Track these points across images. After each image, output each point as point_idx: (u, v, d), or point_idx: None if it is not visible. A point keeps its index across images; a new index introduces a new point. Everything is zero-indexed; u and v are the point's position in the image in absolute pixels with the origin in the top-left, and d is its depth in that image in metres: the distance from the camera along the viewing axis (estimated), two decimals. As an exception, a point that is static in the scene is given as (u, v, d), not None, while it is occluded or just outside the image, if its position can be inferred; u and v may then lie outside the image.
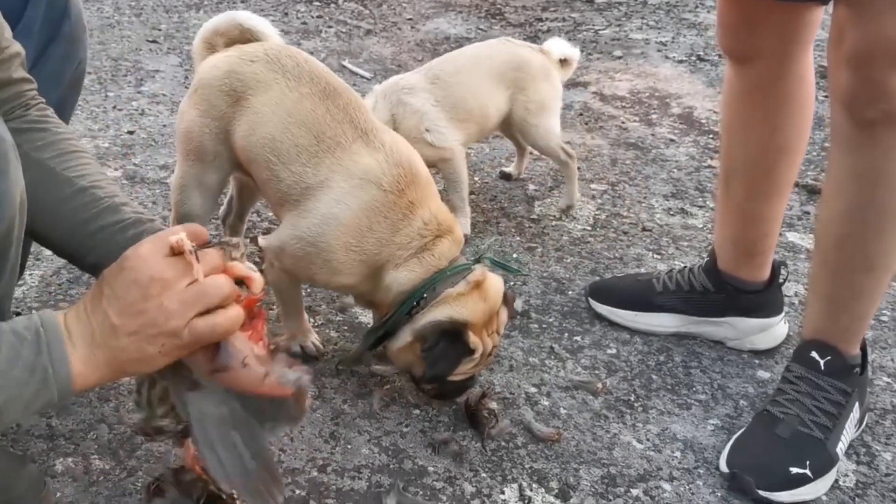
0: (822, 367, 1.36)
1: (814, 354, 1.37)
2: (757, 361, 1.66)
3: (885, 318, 1.80)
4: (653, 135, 2.72)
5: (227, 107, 1.48)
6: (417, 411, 1.47)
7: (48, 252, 1.85)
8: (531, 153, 2.37)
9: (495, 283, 1.42)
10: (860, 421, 1.43)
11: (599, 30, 3.67)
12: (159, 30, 3.29)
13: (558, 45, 2.16)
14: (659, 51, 3.42)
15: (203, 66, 1.54)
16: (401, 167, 1.39)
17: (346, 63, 3.21)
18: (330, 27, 3.61)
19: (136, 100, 2.64)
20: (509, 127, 2.14)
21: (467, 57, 2.10)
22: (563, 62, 2.17)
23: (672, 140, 2.68)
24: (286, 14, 3.69)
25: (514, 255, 1.98)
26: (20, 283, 1.66)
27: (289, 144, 1.40)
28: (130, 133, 2.41)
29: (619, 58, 3.36)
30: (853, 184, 1.27)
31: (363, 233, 1.35)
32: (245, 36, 1.58)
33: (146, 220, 1.12)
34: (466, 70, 2.04)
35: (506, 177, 2.37)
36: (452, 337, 1.35)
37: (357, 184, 1.36)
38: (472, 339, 1.36)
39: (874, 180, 1.25)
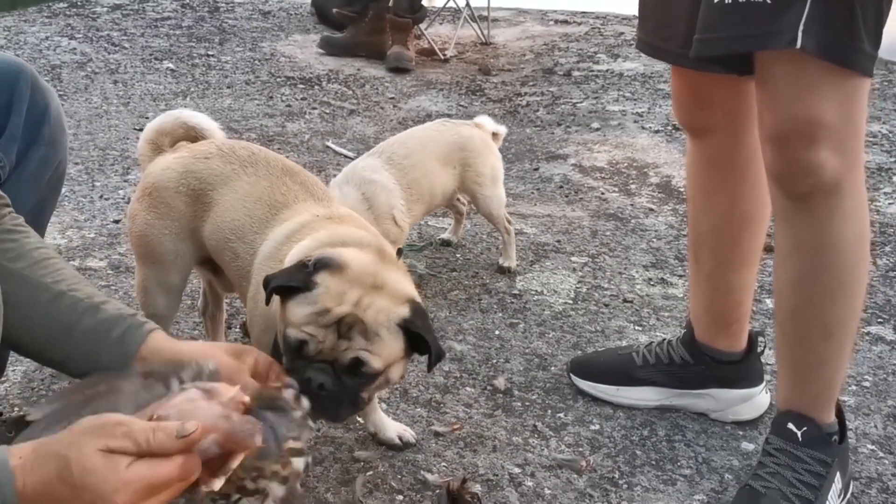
0: (800, 439, 1.36)
1: (790, 426, 1.37)
2: (741, 433, 1.66)
3: (866, 384, 1.81)
4: (632, 205, 2.76)
5: (186, 207, 1.51)
6: (401, 497, 1.46)
7: (31, 346, 1.86)
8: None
9: None
10: (844, 490, 1.42)
11: (577, 102, 3.76)
12: (146, 118, 3.35)
13: (488, 121, 2.31)
14: (636, 122, 3.50)
15: (153, 167, 1.56)
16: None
17: (329, 143, 3.28)
18: (314, 109, 3.69)
19: (122, 188, 2.68)
20: (450, 199, 2.27)
21: (416, 139, 2.19)
22: (494, 135, 2.30)
23: (651, 209, 2.72)
24: (271, 97, 3.78)
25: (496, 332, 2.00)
26: (2, 379, 1.66)
27: (246, 220, 1.44)
28: (116, 222, 2.44)
29: (597, 129, 3.44)
30: (798, 254, 1.30)
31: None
32: (190, 134, 1.62)
33: (127, 316, 1.14)
34: (416, 152, 2.13)
35: (446, 243, 2.45)
36: None
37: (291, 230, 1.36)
38: None
39: (817, 250, 1.28)
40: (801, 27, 1.12)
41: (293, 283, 1.17)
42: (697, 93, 1.47)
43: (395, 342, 1.17)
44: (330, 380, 1.15)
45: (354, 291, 1.16)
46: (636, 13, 1.53)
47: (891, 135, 3.23)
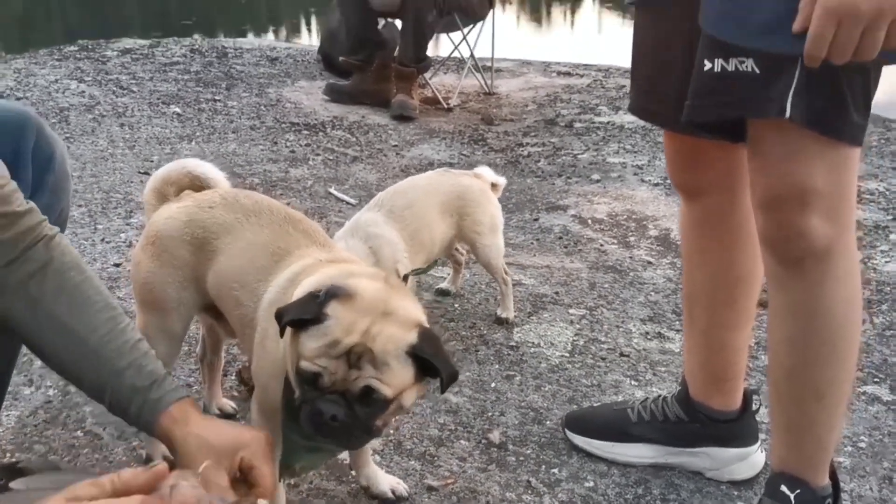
0: (793, 501, 1.36)
1: (784, 488, 1.37)
2: (736, 493, 1.65)
3: (862, 445, 1.80)
4: (631, 257, 2.78)
5: (190, 255, 1.52)
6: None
7: (26, 391, 1.87)
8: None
9: None
10: (838, 554, 1.41)
11: (578, 154, 3.80)
12: (151, 161, 3.40)
13: (487, 172, 2.35)
14: (635, 174, 3.53)
15: (157, 217, 1.58)
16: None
17: (332, 190, 3.31)
18: (317, 155, 3.73)
19: (124, 231, 2.71)
20: (448, 248, 2.30)
21: (415, 189, 2.21)
22: (493, 186, 2.33)
23: (649, 262, 2.74)
24: (275, 143, 3.82)
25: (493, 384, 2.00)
26: (-4, 424, 1.66)
27: (249, 268, 1.45)
28: (117, 266, 2.45)
29: (598, 181, 3.47)
30: (790, 317, 1.31)
31: None
32: (195, 183, 1.64)
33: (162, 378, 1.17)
34: (417, 203, 2.15)
35: (444, 293, 2.46)
36: None
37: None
38: None
39: (809, 313, 1.29)
40: (789, 98, 1.14)
41: (305, 315, 1.19)
42: (690, 156, 1.50)
43: (404, 370, 1.18)
44: (342, 411, 1.17)
45: (364, 320, 1.17)
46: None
47: (887, 192, 3.25)
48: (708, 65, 1.20)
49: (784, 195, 1.22)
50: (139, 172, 3.26)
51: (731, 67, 1.18)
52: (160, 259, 1.54)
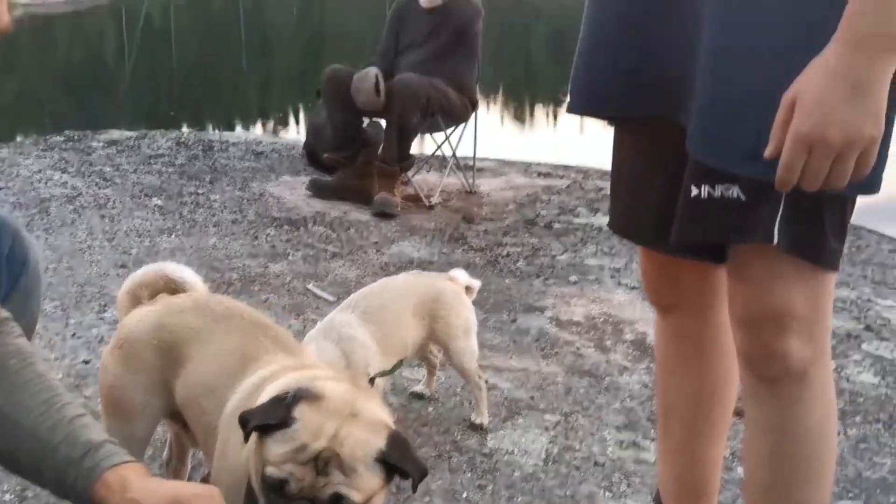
0: None
1: None
2: None
3: (839, 564, 1.77)
4: (607, 362, 2.77)
5: (158, 360, 1.51)
6: None
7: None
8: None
9: None
10: None
11: (556, 255, 3.84)
12: (129, 254, 3.40)
13: (462, 275, 2.36)
14: (612, 276, 3.57)
15: (128, 320, 1.58)
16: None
17: (310, 286, 3.31)
18: (298, 250, 3.74)
19: (96, 326, 2.68)
20: (422, 350, 2.28)
21: (390, 291, 2.22)
22: (468, 289, 2.34)
23: (626, 367, 2.73)
24: (256, 238, 3.84)
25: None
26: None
27: (216, 375, 1.45)
28: (86, 363, 2.42)
29: (575, 283, 3.49)
30: (766, 435, 1.31)
31: None
32: (170, 286, 1.64)
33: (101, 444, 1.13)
34: (391, 305, 2.16)
35: (419, 396, 2.44)
36: None
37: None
38: None
39: (783, 431, 1.29)
40: (776, 225, 1.17)
41: (272, 420, 1.18)
42: (668, 274, 1.51)
43: (373, 476, 1.17)
44: None
45: (331, 423, 1.16)
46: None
47: (859, 300, 3.29)
48: (695, 191, 1.23)
49: (764, 317, 1.24)
50: (116, 266, 3.25)
51: (717, 193, 1.20)
52: (127, 364, 1.52)
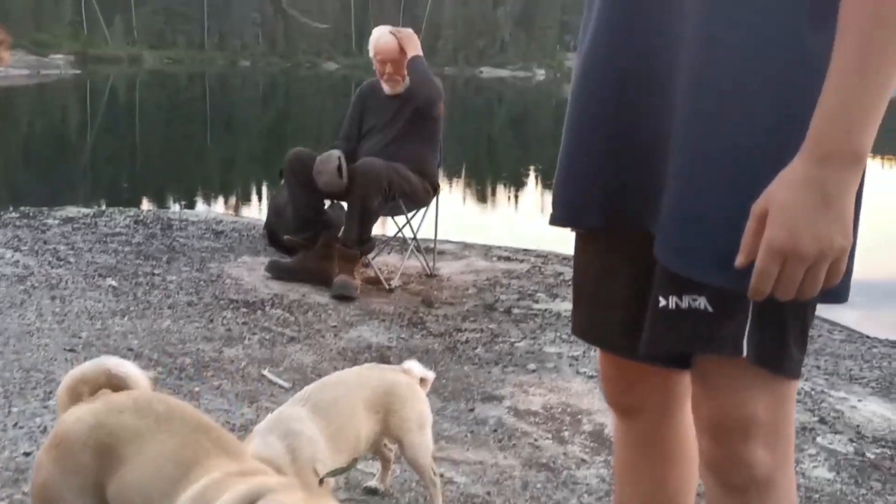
0: None
1: None
2: None
3: None
4: (565, 454, 2.74)
5: (93, 462, 1.45)
6: None
7: None
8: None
9: None
10: None
11: (515, 342, 3.83)
12: (79, 337, 3.31)
13: (416, 366, 2.33)
14: (571, 365, 3.56)
15: (66, 418, 1.52)
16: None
17: (265, 372, 3.24)
18: (254, 334, 3.68)
19: (40, 415, 2.58)
20: (375, 445, 2.23)
21: (342, 384, 2.18)
22: (422, 380, 2.31)
23: (583, 460, 2.70)
24: (211, 321, 3.78)
25: None
26: None
27: (153, 480, 1.40)
28: (27, 455, 2.32)
29: (534, 371, 3.48)
30: None
31: None
32: (113, 382, 1.60)
33: None
34: (343, 398, 2.12)
35: (372, 492, 2.38)
36: None
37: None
38: None
39: None
40: (745, 336, 1.18)
41: None
42: (629, 378, 1.50)
43: None
44: None
45: None
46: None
47: (813, 392, 3.32)
48: (662, 301, 1.23)
49: (730, 425, 1.23)
50: (65, 350, 3.16)
51: (684, 304, 1.21)
52: (63, 464, 1.46)
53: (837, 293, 1.16)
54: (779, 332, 1.21)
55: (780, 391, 1.25)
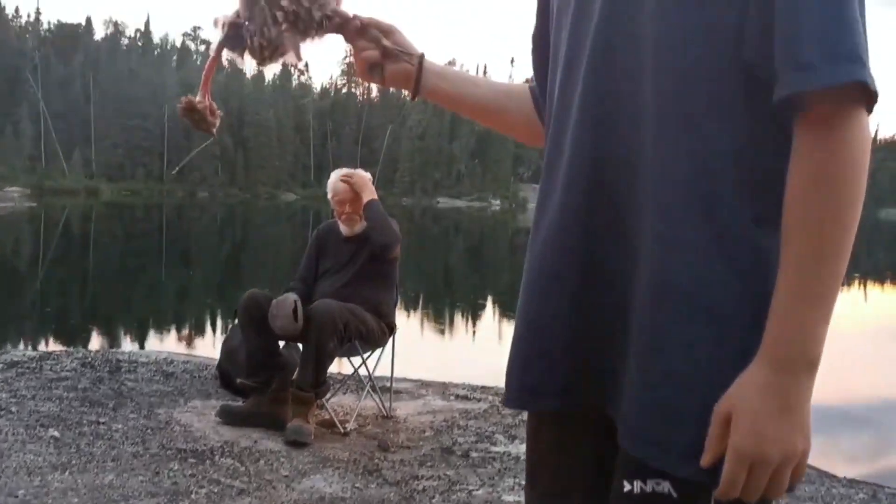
0: None
1: None
2: None
3: None
4: None
5: None
6: None
7: None
8: None
9: None
10: None
11: (473, 490, 3.73)
12: (16, 496, 3.14)
13: None
14: (531, 514, 3.46)
15: None
16: None
17: (213, 530, 3.08)
18: (202, 487, 3.53)
19: (-35, 590, 2.40)
20: None
21: None
22: None
23: None
24: (157, 473, 3.62)
25: None
26: None
27: None
28: None
29: (493, 521, 3.37)
30: None
31: None
32: None
33: None
34: None
35: None
36: None
37: None
38: None
39: None
40: None
41: None
42: None
43: None
44: None
45: None
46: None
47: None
48: (627, 486, 1.21)
49: None
50: (-2, 511, 2.98)
51: (648, 489, 1.19)
52: None
53: (791, 486, 1.17)
54: None
55: None
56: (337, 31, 1.41)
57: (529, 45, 1.48)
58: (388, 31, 1.43)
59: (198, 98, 1.40)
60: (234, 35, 1.34)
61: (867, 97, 1.02)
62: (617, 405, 1.21)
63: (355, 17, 1.40)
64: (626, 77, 1.16)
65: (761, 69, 1.07)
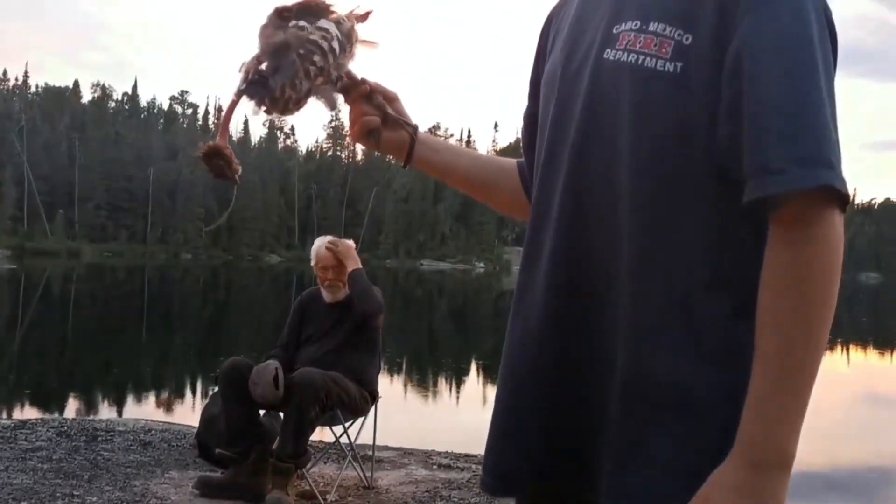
0: None
1: None
2: None
3: None
4: None
5: None
6: None
7: None
8: None
9: None
10: None
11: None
12: (-17, 575, 3.03)
13: None
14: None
15: None
16: None
17: None
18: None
19: None
20: None
21: None
22: None
23: None
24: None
25: None
26: None
27: None
28: None
29: None
30: None
31: None
32: None
33: None
34: None
35: None
36: None
37: None
38: None
39: None
40: None
41: None
42: None
43: None
44: None
45: None
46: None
47: None
48: None
49: None
50: (-35, 592, 2.88)
51: None
52: None
53: None
54: None
55: None
56: (344, 93, 1.40)
57: (521, 124, 1.50)
58: (391, 99, 1.43)
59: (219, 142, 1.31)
60: (259, 84, 1.30)
61: (839, 198, 1.02)
62: (595, 492, 1.20)
63: (364, 80, 1.40)
64: (601, 180, 1.19)
65: (732, 172, 1.09)
